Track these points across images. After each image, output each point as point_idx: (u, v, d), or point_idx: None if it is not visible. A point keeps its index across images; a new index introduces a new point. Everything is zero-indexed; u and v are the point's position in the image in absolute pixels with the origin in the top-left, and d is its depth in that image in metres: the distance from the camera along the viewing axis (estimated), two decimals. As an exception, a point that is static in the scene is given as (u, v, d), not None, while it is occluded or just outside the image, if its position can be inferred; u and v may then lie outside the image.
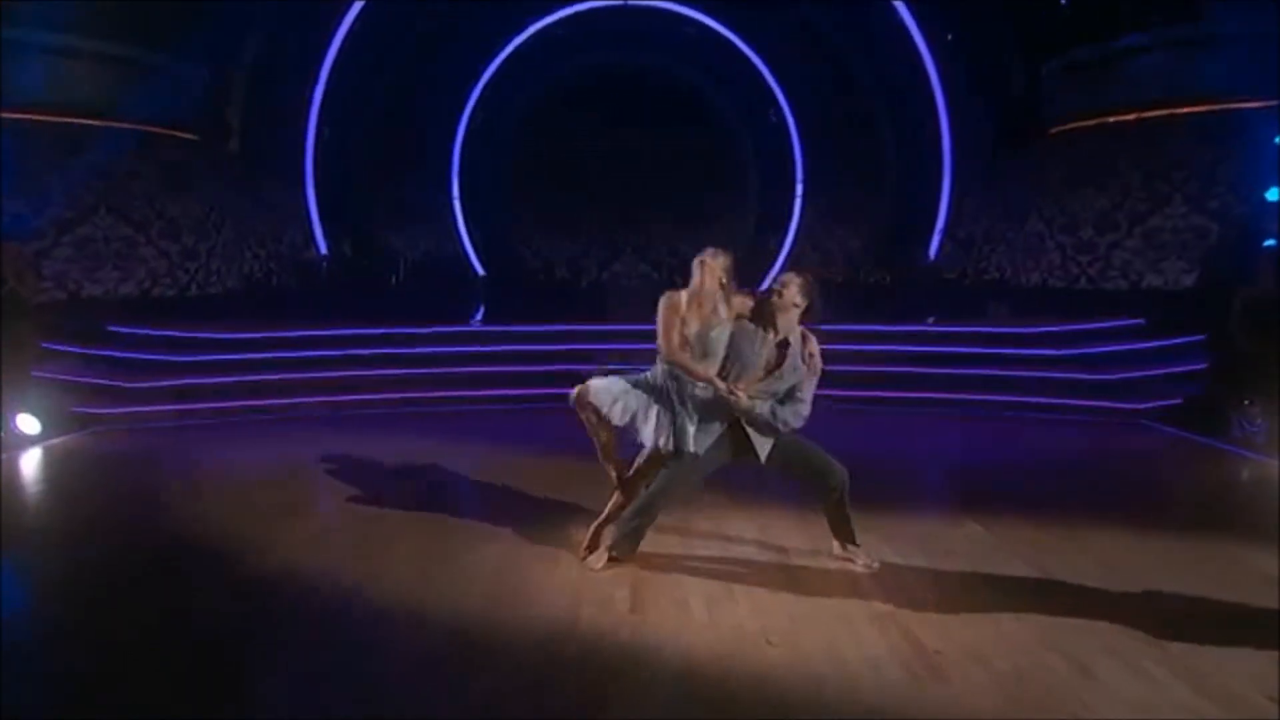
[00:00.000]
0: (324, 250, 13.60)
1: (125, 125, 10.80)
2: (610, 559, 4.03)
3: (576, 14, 14.43)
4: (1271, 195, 9.43)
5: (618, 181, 14.91)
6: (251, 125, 13.19)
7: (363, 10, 13.28)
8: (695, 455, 3.84)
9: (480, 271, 14.77)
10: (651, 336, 4.00)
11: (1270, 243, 8.12)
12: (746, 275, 14.55)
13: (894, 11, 13.75)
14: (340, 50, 13.36)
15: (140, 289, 10.98)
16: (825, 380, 4.05)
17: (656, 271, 15.18)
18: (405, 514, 4.97)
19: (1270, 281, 6.61)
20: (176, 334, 9.33)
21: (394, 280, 13.34)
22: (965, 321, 9.88)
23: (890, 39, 13.86)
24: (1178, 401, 7.39)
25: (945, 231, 14.08)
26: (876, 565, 4.03)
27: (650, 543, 4.14)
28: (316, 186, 13.58)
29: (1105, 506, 5.12)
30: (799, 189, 15.23)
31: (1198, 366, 7.70)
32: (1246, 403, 6.39)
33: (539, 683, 3.01)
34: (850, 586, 3.85)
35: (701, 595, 3.76)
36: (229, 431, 7.55)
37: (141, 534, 4.77)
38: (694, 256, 4.04)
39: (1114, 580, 3.92)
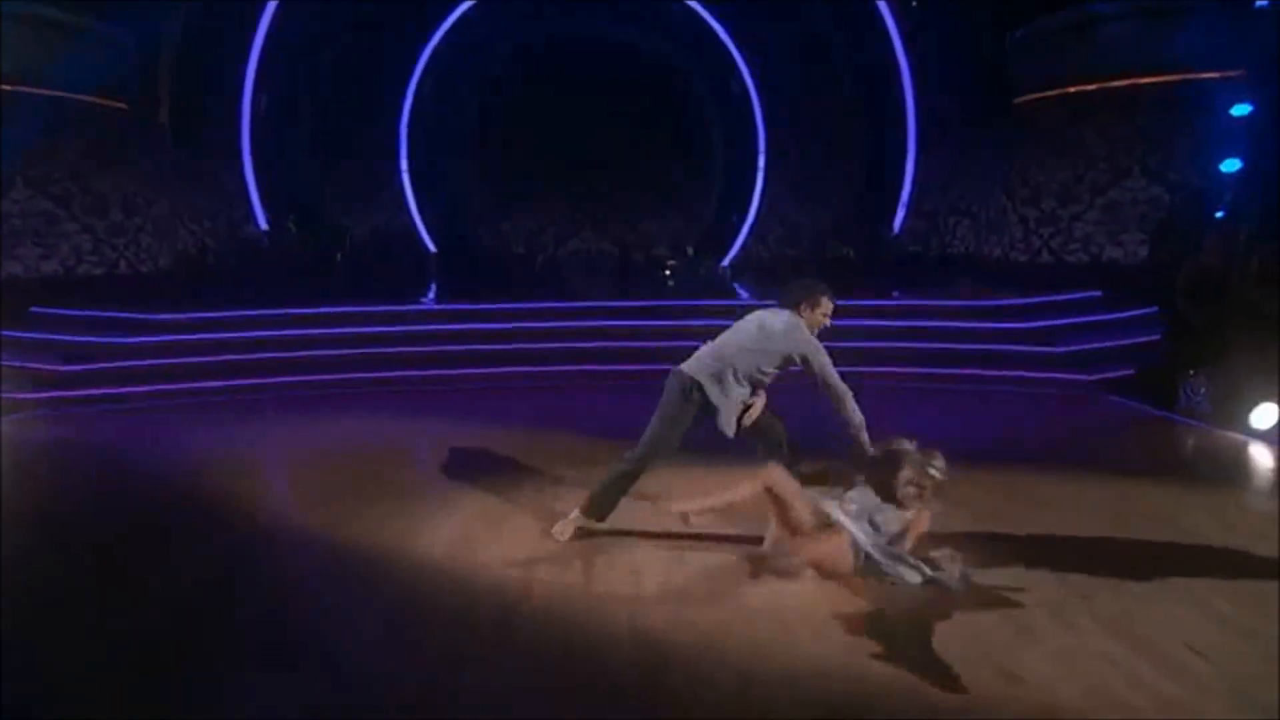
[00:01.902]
0: (264, 226, 13.48)
1: (46, 92, 10.60)
2: (579, 528, 4.23)
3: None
4: (1228, 167, 9.87)
5: (576, 154, 14.94)
6: (183, 94, 12.98)
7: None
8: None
9: (432, 248, 14.76)
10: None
11: (1220, 214, 8.52)
12: (709, 248, 14.71)
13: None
14: (277, 15, 13.18)
15: (64, 267, 10.85)
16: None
17: (617, 247, 15.30)
18: (360, 491, 5.11)
19: (1215, 254, 6.99)
20: (106, 315, 9.29)
21: (339, 257, 13.29)
22: (927, 295, 10.21)
23: (856, 8, 14.08)
24: (1130, 372, 7.79)
25: (910, 205, 14.42)
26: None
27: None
28: (254, 159, 13.42)
29: (1045, 469, 5.46)
30: (761, 161, 15.43)
31: (1151, 338, 8.12)
32: (1191, 373, 6.79)
33: (495, 643, 3.22)
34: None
35: (654, 561, 3.98)
36: (167, 417, 7.56)
37: (75, 526, 4.81)
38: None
39: (1048, 534, 4.24)
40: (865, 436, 4.04)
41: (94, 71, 11.05)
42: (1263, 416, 6.13)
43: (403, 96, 14.47)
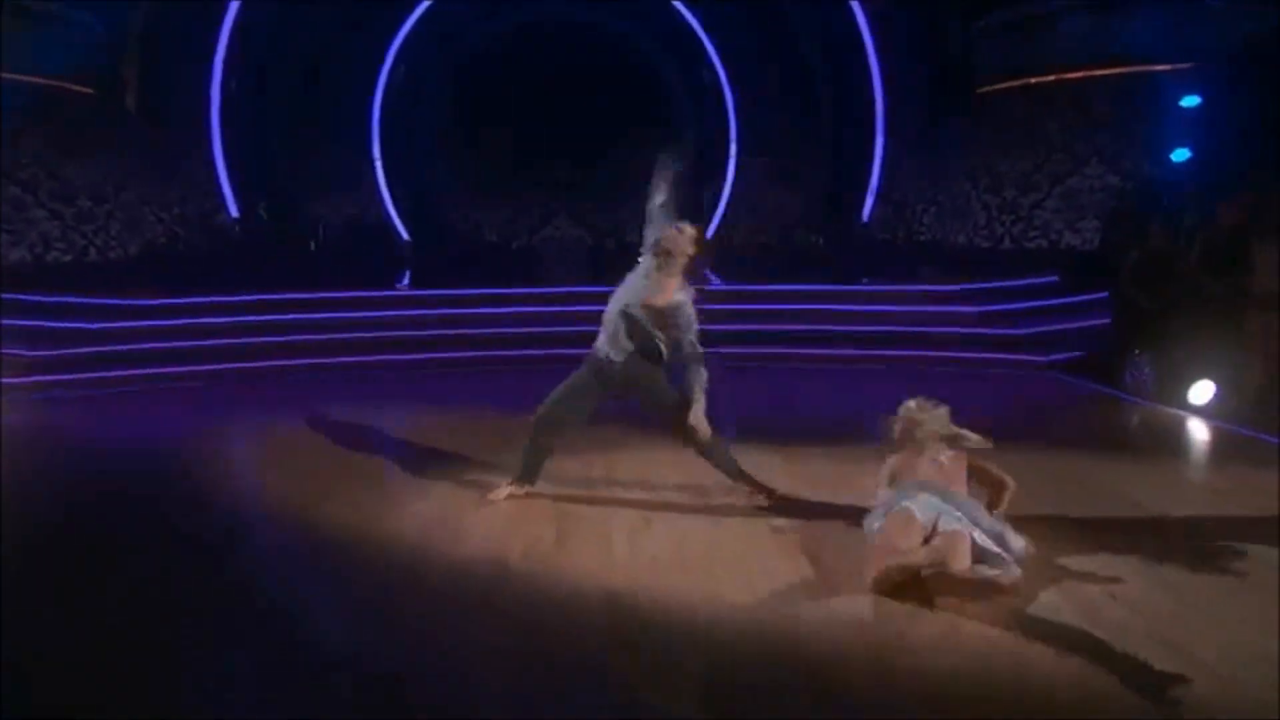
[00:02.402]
0: (235, 214, 13.51)
1: (11, 77, 10.56)
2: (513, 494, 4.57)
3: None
4: (1178, 156, 10.32)
5: (549, 142, 15.11)
6: (150, 80, 12.96)
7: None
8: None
9: (405, 236, 14.86)
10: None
11: (1168, 202, 8.96)
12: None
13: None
14: (244, 7, 13.15)
15: (32, 254, 10.86)
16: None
17: (590, 235, 15.52)
18: (335, 473, 5.30)
19: (1161, 240, 7.39)
20: (78, 301, 9.36)
21: (313, 246, 13.37)
22: (895, 281, 10.59)
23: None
24: (1082, 354, 8.20)
25: (878, 193, 14.78)
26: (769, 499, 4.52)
27: (577, 485, 4.60)
28: (225, 146, 13.43)
29: (998, 445, 5.78)
30: (733, 150, 15.70)
31: (1103, 321, 8.53)
32: (1136, 353, 7.19)
33: (468, 612, 3.43)
34: (763, 522, 4.38)
35: (624, 530, 4.25)
36: (139, 402, 7.68)
37: (48, 507, 4.90)
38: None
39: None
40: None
41: (60, 56, 11.04)
42: (1200, 393, 6.54)
43: (375, 84, 14.51)
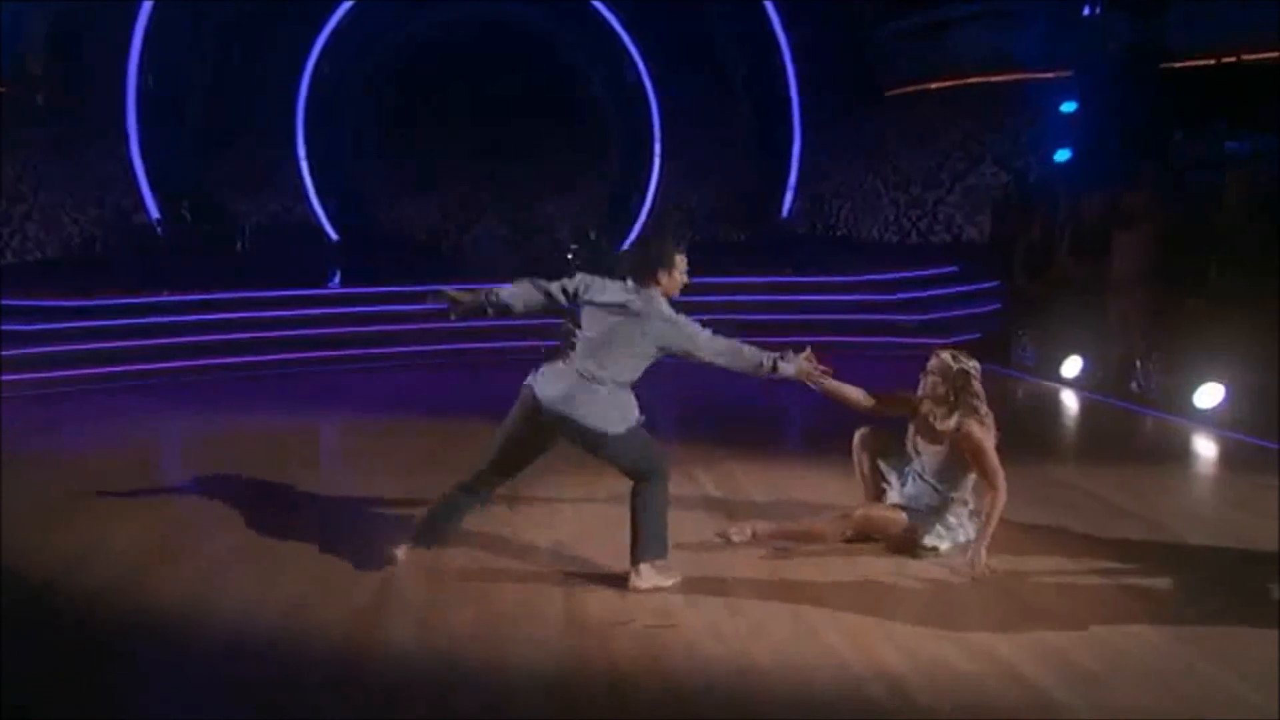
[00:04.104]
0: (155, 214, 13.52)
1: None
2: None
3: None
4: (1060, 156, 11.55)
5: (476, 140, 15.53)
6: (62, 76, 12.87)
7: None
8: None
9: (333, 236, 15.05)
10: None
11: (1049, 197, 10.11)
12: (609, 232, 15.50)
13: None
14: (159, 3, 13.15)
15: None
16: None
17: (518, 234, 16.04)
18: (226, 504, 4.72)
19: (1040, 232, 8.44)
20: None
21: (240, 246, 13.49)
22: (812, 273, 11.49)
23: (742, 4, 15.22)
24: (977, 337, 9.21)
25: (796, 190, 15.76)
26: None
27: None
28: (142, 144, 13.41)
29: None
30: (657, 148, 16.45)
31: (994, 307, 9.59)
32: (1020, 333, 8.21)
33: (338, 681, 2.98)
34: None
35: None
36: (56, 405, 7.61)
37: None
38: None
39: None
40: (792, 365, 3.71)
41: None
42: (1070, 367, 7.58)
43: (299, 80, 14.62)
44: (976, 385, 3.91)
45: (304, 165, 14.75)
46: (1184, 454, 5.91)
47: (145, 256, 12.49)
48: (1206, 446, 6.00)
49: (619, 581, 3.56)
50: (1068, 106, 11.60)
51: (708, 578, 3.67)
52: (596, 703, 2.79)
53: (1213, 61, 11.31)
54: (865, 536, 3.98)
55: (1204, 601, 3.42)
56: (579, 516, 4.44)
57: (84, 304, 9.59)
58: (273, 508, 4.66)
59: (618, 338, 3.50)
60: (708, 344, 3.59)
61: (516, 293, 3.63)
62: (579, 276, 3.64)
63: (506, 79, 15.45)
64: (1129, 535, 4.17)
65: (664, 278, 3.57)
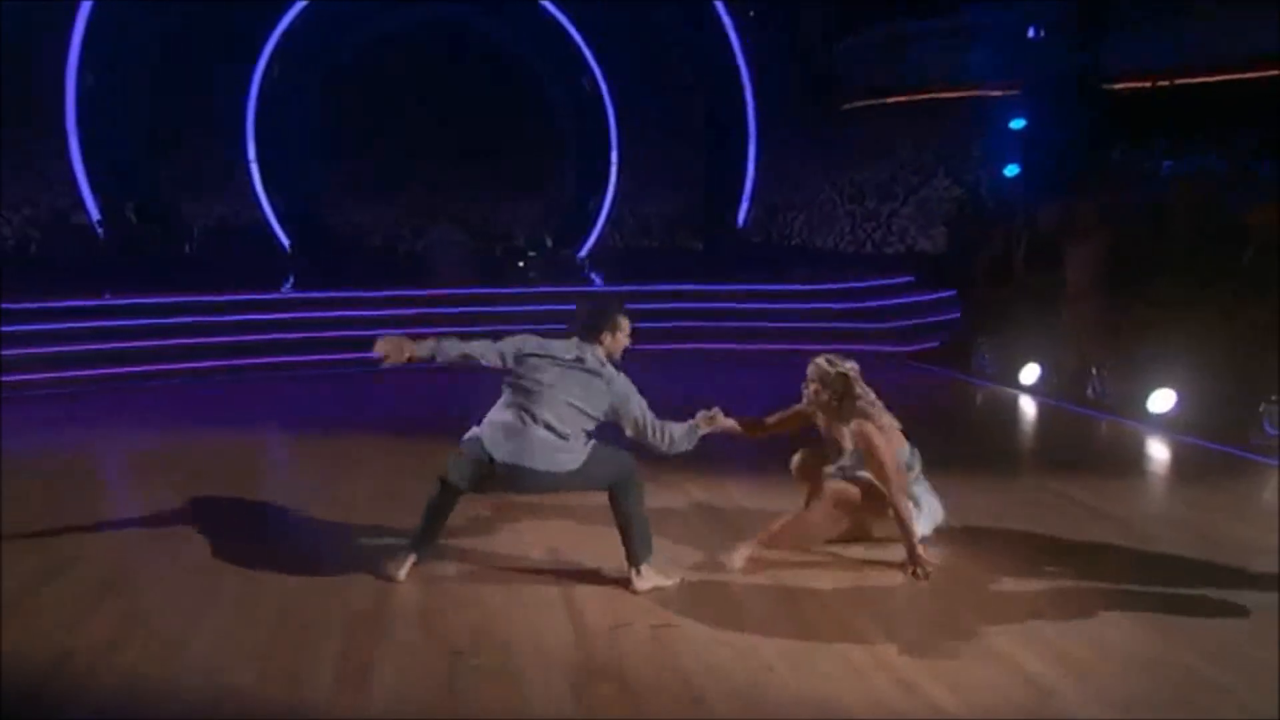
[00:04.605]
0: (96, 215, 13.06)
1: None
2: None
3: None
4: (1009, 171, 12.01)
5: (431, 145, 15.40)
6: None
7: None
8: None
9: (283, 240, 14.75)
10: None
11: (991, 210, 10.51)
12: (566, 239, 15.55)
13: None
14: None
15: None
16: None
17: (474, 238, 15.92)
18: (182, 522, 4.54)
19: (997, 244, 8.76)
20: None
21: (188, 249, 13.14)
22: (768, 281, 11.68)
23: (702, 18, 15.44)
24: (936, 344, 9.51)
25: (752, 200, 16.02)
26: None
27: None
28: (82, 143, 12.95)
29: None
30: (614, 156, 16.53)
31: (952, 315, 9.90)
32: (980, 342, 8.50)
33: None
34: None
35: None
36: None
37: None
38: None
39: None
40: (702, 429, 3.78)
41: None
42: (1028, 374, 7.87)
43: (249, 81, 14.30)
44: (859, 387, 3.90)
45: (254, 167, 14.41)
46: (1142, 457, 6.19)
47: (83, 258, 12.08)
48: (1161, 449, 6.29)
49: (614, 582, 3.64)
50: (1017, 123, 12.07)
51: (706, 580, 3.73)
52: (611, 705, 2.81)
53: (1149, 84, 11.92)
54: (855, 537, 4.08)
55: (1176, 592, 3.63)
56: (567, 517, 4.44)
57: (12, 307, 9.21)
58: (239, 525, 4.56)
59: (575, 391, 3.56)
60: (650, 421, 3.67)
61: (469, 351, 3.65)
62: (519, 338, 3.69)
63: (463, 84, 15.38)
64: (1100, 534, 4.36)
65: (608, 338, 3.67)
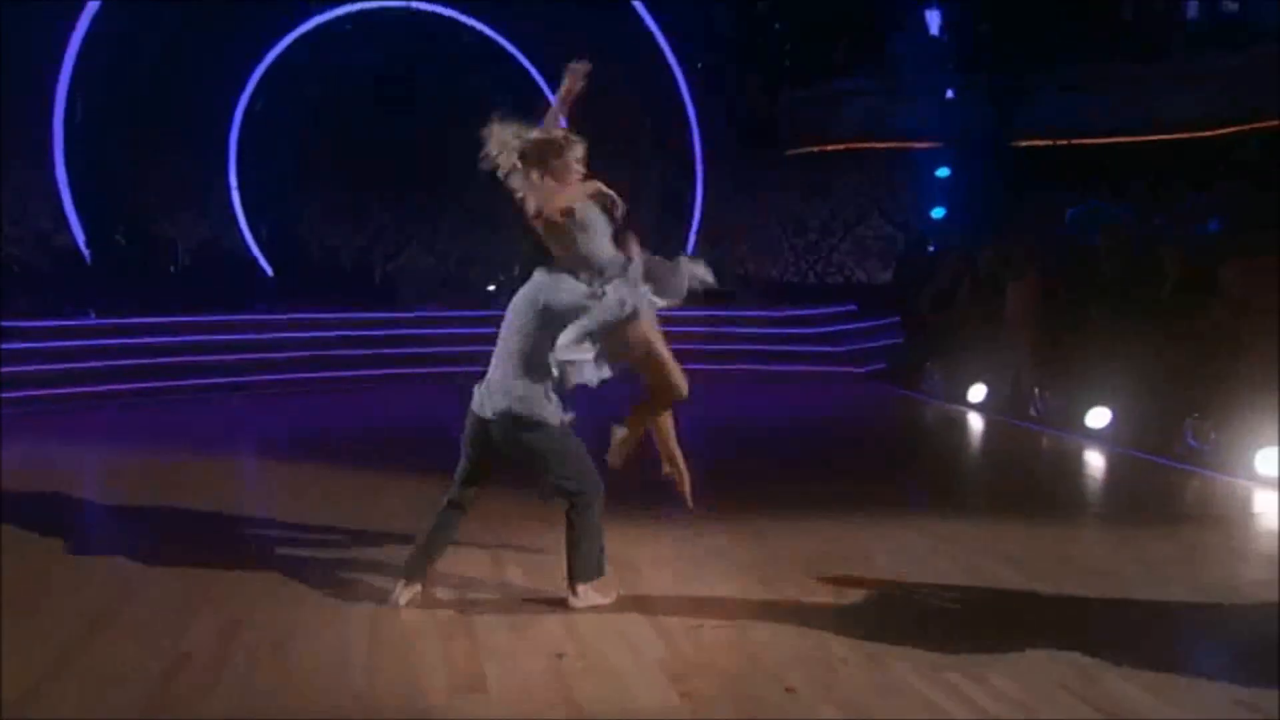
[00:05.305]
0: (81, 236, 12.38)
1: None
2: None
3: (362, 12, 14.51)
4: (936, 214, 12.56)
5: (402, 175, 15.16)
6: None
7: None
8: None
9: (262, 262, 14.26)
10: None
11: (932, 248, 11.00)
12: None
13: (654, 39, 15.69)
14: (95, 25, 12.19)
15: None
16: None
17: (441, 264, 15.75)
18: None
19: (945, 280, 9.15)
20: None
21: (173, 269, 12.57)
22: (729, 307, 11.86)
23: (654, 68, 15.71)
24: (884, 365, 9.83)
25: (699, 232, 16.23)
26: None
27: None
28: (68, 165, 12.30)
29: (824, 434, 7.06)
30: (575, 191, 16.56)
31: (896, 340, 10.25)
32: (928, 364, 8.83)
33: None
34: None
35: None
36: None
37: None
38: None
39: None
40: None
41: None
42: (975, 393, 8.21)
43: (233, 111, 13.86)
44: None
45: (235, 194, 13.92)
46: (1080, 466, 6.55)
47: (69, 278, 11.41)
48: (1098, 459, 6.65)
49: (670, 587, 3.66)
50: (941, 172, 12.66)
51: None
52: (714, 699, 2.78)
53: (1051, 143, 12.68)
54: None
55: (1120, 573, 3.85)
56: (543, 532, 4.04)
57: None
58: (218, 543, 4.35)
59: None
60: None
61: None
62: None
63: (437, 123, 15.20)
64: (1045, 529, 4.59)
65: None
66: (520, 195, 3.34)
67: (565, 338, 3.19)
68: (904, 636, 3.17)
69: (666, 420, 3.67)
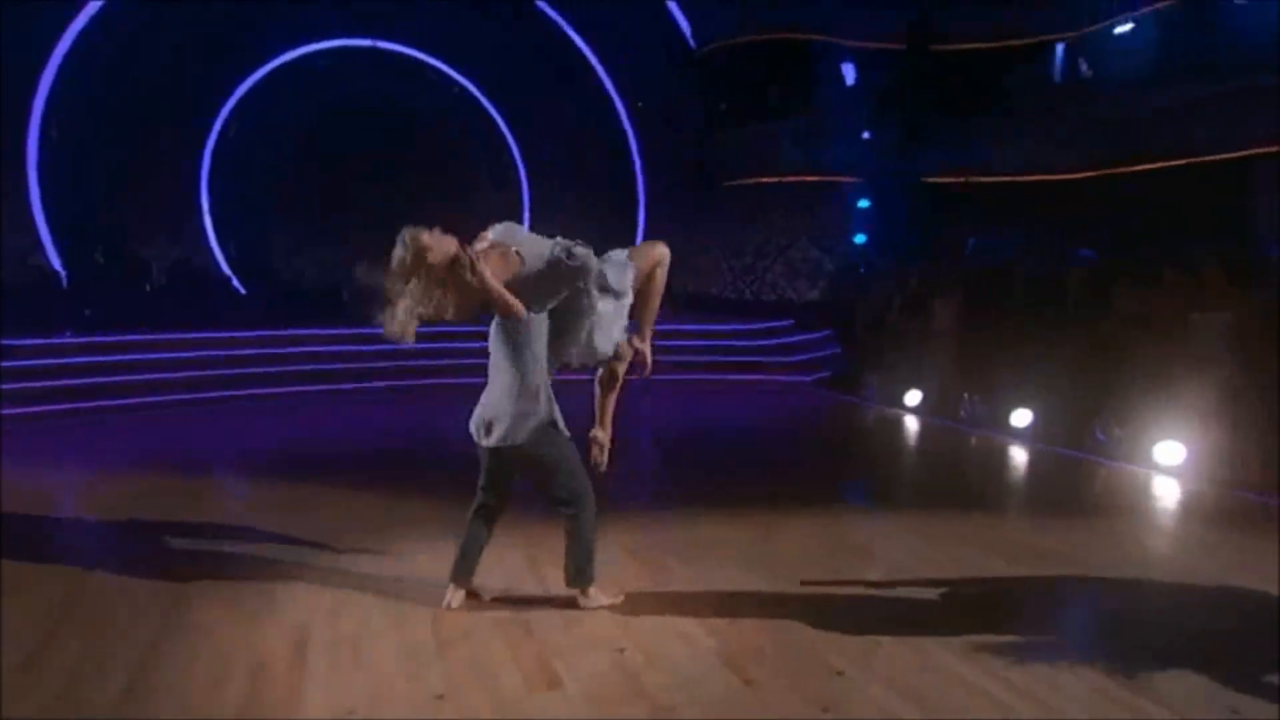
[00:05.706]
0: (55, 256, 11.55)
1: None
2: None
3: (331, 49, 14.14)
4: (859, 239, 13.07)
5: (370, 202, 14.78)
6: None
7: (101, 11, 11.60)
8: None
9: (235, 283, 13.65)
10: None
11: (862, 270, 11.44)
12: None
13: (601, 81, 15.84)
14: (72, 51, 11.47)
15: None
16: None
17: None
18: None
19: (878, 298, 9.54)
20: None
21: (148, 289, 11.88)
22: (675, 322, 12.00)
23: (595, 102, 15.84)
24: (827, 374, 10.14)
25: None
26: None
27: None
28: (43, 187, 11.51)
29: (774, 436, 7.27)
30: (527, 217, 16.53)
31: (834, 351, 10.60)
32: (866, 373, 9.17)
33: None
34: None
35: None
36: None
37: None
38: None
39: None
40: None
41: None
42: (911, 398, 8.57)
43: (206, 137, 13.24)
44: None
45: (207, 218, 13.27)
46: (1005, 461, 6.88)
47: (45, 298, 10.65)
48: (1021, 455, 7.02)
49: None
50: (862, 203, 13.20)
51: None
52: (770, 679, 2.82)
53: (957, 180, 13.40)
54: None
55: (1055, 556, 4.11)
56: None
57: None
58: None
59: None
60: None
61: None
62: None
63: (397, 150, 14.93)
64: (976, 517, 4.88)
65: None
66: (447, 308, 3.10)
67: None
68: (922, 620, 3.29)
69: (611, 396, 3.58)
